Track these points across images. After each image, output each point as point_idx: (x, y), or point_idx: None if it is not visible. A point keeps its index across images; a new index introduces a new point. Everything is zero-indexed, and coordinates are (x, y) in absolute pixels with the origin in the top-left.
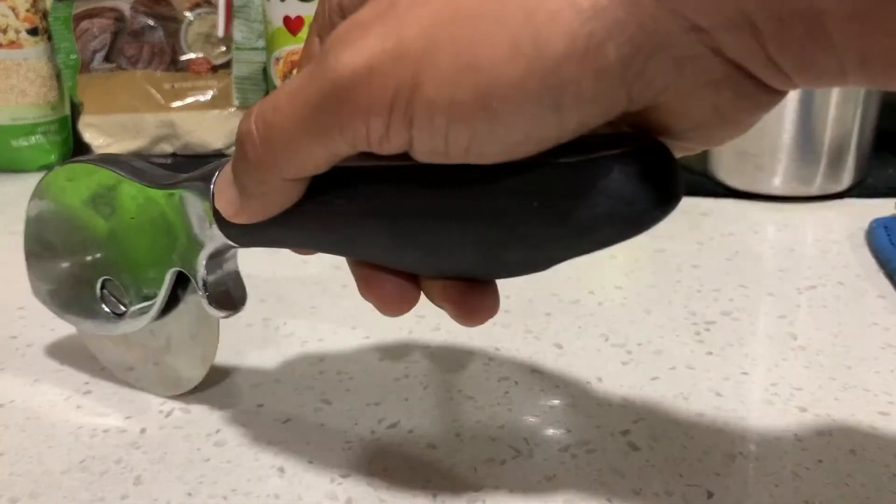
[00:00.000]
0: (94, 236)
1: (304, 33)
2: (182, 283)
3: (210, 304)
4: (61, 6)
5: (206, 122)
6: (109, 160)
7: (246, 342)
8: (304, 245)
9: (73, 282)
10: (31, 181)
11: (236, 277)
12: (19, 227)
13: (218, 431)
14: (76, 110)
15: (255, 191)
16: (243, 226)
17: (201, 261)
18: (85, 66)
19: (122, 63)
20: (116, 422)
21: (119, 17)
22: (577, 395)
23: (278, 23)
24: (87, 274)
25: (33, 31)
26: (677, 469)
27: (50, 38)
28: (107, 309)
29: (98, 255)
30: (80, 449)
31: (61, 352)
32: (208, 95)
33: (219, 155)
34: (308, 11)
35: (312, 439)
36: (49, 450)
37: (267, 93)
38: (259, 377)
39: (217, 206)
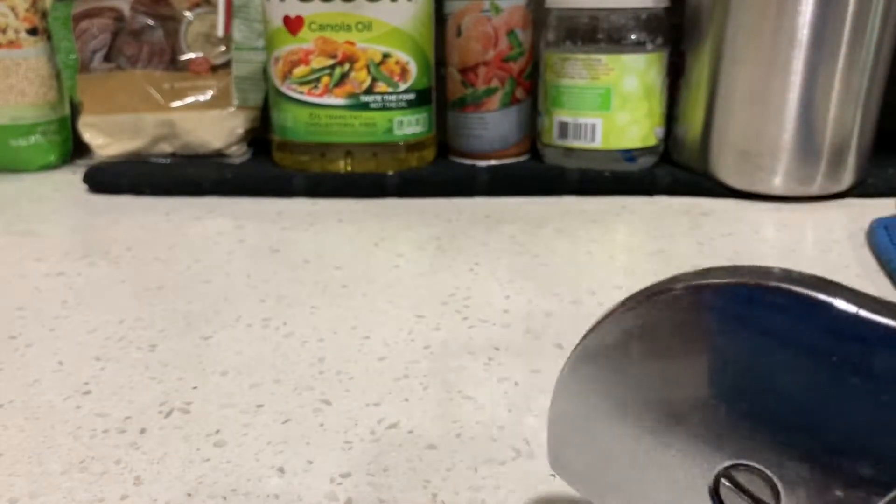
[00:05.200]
0: (767, 397)
1: (303, 33)
2: None
3: None
4: (61, 6)
5: (206, 122)
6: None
7: (246, 342)
8: None
9: (659, 454)
10: (29, 181)
11: None
12: (19, 227)
13: (217, 432)
14: (75, 110)
15: None
16: None
17: None
18: (84, 66)
19: (122, 63)
20: (116, 422)
21: (118, 17)
22: None
23: (278, 22)
24: (700, 448)
25: (32, 31)
26: None
27: (49, 38)
28: None
29: (744, 429)
30: (79, 449)
31: (61, 352)
32: (208, 95)
33: (218, 155)
34: (307, 11)
35: (312, 439)
36: (48, 450)
37: (266, 93)
38: (259, 377)
39: None
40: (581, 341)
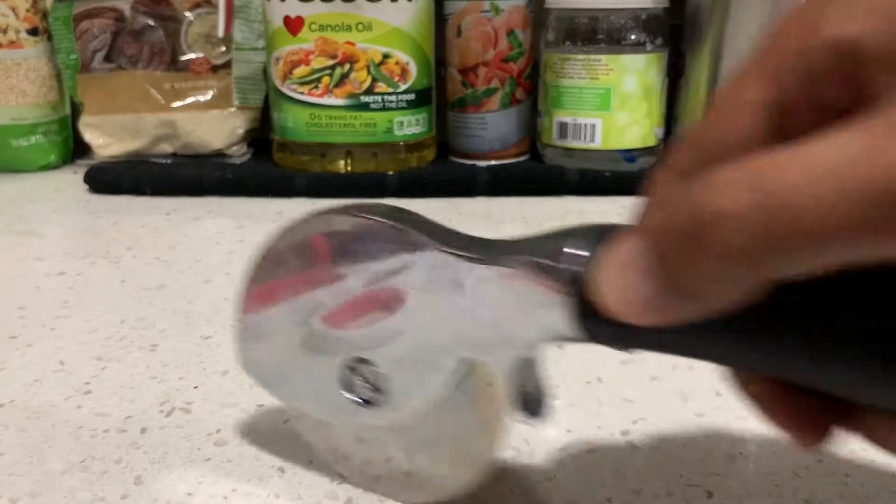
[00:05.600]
0: None
1: (303, 33)
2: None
3: (519, 407)
4: (61, 6)
5: (206, 122)
6: (383, 212)
7: None
8: (709, 357)
9: (303, 352)
10: (30, 181)
11: (539, 372)
12: (19, 227)
13: (218, 431)
14: (76, 110)
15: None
16: (625, 326)
17: (512, 354)
18: (85, 66)
19: (123, 63)
20: (117, 422)
21: (119, 17)
22: (577, 396)
23: (278, 23)
24: (328, 347)
25: (33, 31)
26: (677, 469)
27: (50, 38)
28: (348, 395)
29: (352, 330)
30: (80, 449)
31: (61, 352)
32: (208, 95)
33: (219, 155)
34: (308, 11)
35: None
36: (49, 450)
37: (267, 93)
38: None
39: (602, 297)
40: (251, 268)
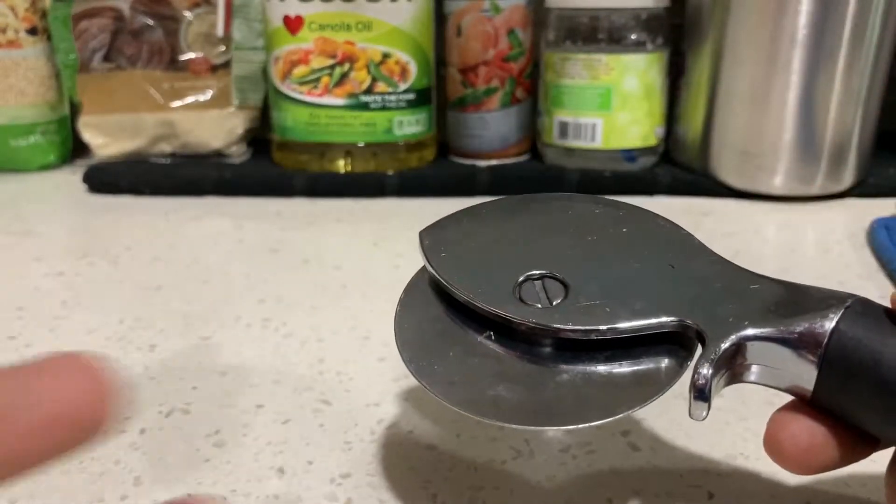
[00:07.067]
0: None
1: (303, 33)
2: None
3: (696, 392)
4: (60, 5)
5: (206, 122)
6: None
7: (245, 342)
8: None
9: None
10: (29, 181)
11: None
12: (18, 227)
13: (217, 432)
14: (75, 110)
15: None
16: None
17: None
18: (84, 66)
19: (122, 62)
20: (115, 422)
21: (118, 17)
22: None
23: (278, 22)
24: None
25: (32, 31)
26: (678, 470)
27: (49, 38)
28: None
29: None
30: None
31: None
32: (207, 95)
33: (218, 154)
34: (307, 11)
35: (312, 440)
36: None
37: (266, 93)
38: (258, 377)
39: None
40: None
